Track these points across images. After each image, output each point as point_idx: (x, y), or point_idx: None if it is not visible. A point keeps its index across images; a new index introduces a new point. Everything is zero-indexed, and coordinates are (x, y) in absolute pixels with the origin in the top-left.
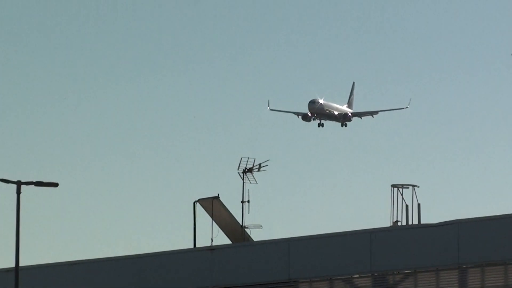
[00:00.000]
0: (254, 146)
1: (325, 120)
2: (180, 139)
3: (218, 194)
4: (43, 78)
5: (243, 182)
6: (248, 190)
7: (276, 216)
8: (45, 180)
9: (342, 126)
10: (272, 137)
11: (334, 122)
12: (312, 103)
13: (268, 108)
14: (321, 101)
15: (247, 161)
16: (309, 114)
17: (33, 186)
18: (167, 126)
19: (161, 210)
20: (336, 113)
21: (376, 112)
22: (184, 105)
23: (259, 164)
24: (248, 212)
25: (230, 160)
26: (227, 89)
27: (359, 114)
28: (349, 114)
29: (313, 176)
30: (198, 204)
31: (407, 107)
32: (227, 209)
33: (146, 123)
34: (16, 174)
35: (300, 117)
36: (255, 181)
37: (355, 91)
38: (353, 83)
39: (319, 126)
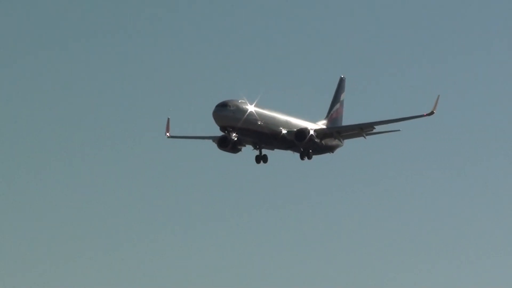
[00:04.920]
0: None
1: (270, 148)
2: None
3: None
4: None
5: None
6: None
7: None
8: None
9: (302, 158)
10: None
11: (288, 151)
12: (222, 109)
13: (167, 134)
14: (247, 105)
15: None
16: (228, 136)
17: None
18: None
19: None
20: (283, 130)
21: (370, 126)
22: None
23: None
24: None
25: None
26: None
27: (338, 132)
28: (311, 132)
29: None
30: None
31: (433, 113)
32: None
33: None
34: None
35: (215, 142)
36: None
37: (344, 95)
38: (341, 78)
39: (258, 161)
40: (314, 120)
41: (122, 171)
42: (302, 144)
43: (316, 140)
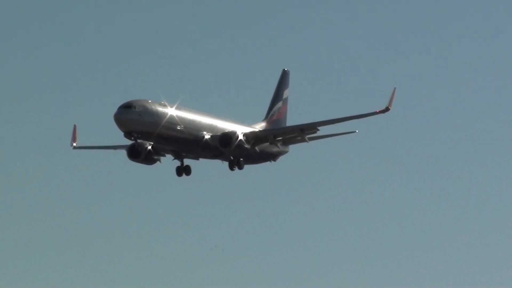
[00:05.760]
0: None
1: (194, 157)
2: None
3: None
4: None
5: None
6: None
7: None
8: None
9: (231, 168)
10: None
11: (216, 160)
12: (126, 111)
13: (74, 145)
14: (164, 106)
15: None
16: (136, 143)
17: None
18: None
19: None
20: (206, 135)
21: (312, 128)
22: None
23: None
24: None
25: None
26: None
27: (274, 136)
28: (240, 136)
29: None
30: None
31: (388, 109)
32: None
33: None
34: None
35: (126, 152)
36: None
37: (288, 92)
38: (284, 71)
39: (180, 173)
40: (250, 123)
41: (19, 188)
42: (230, 151)
43: (246, 146)
